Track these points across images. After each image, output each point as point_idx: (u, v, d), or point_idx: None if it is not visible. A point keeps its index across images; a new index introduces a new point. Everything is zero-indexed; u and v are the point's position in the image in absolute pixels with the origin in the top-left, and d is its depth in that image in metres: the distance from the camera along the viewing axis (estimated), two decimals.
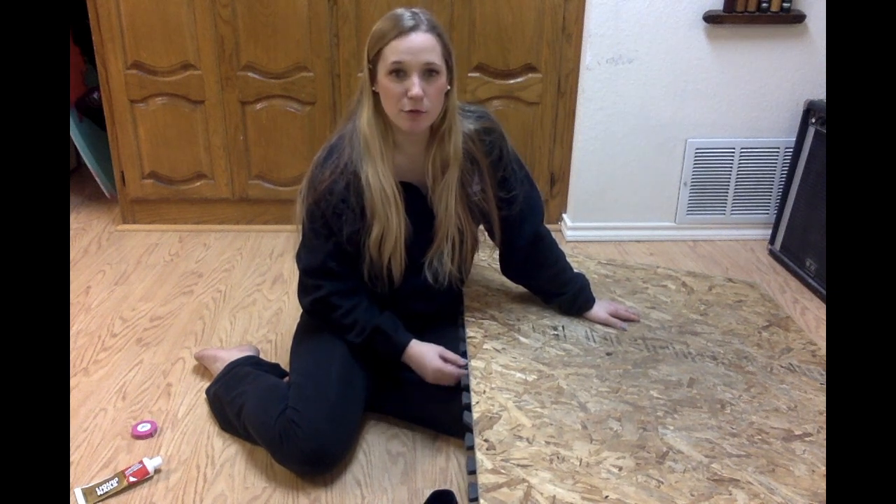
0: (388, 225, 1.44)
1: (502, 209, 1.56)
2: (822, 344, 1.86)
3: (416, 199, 1.50)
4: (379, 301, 1.56)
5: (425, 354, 1.51)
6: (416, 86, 1.34)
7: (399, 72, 1.35)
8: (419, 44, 1.34)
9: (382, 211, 1.43)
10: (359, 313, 1.52)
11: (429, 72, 1.35)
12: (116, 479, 1.41)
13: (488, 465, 1.19)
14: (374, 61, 1.39)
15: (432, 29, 1.36)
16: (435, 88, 1.37)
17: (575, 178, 2.68)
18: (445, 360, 1.51)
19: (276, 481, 1.45)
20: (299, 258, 1.54)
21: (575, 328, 1.65)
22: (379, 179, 1.42)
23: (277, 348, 1.94)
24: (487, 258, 1.96)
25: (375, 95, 1.41)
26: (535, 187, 1.63)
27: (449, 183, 1.47)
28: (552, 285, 1.69)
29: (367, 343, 1.52)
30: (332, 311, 1.52)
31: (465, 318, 1.65)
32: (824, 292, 2.25)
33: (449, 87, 1.41)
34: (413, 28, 1.34)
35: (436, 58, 1.36)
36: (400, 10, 1.38)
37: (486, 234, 1.66)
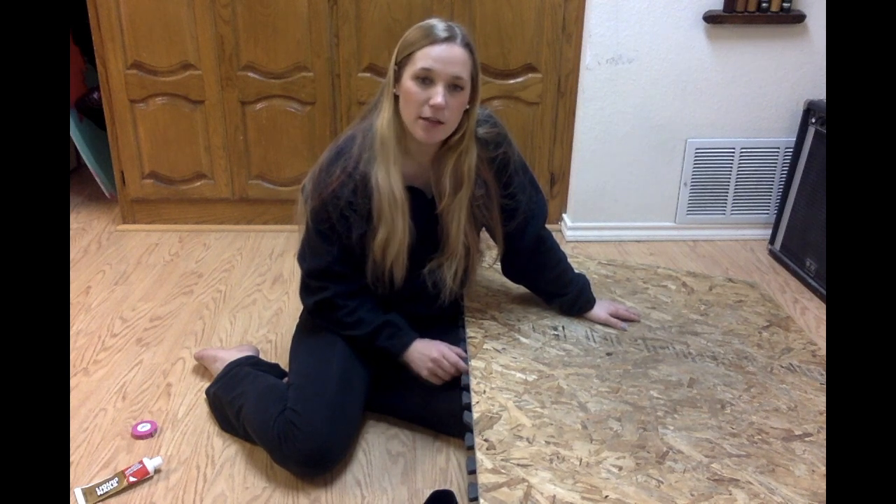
0: (394, 229, 1.44)
1: (505, 220, 1.56)
2: (822, 344, 1.86)
3: (421, 204, 1.50)
4: (381, 302, 1.56)
5: (426, 348, 1.52)
6: (439, 95, 1.34)
7: (426, 79, 1.35)
8: (452, 56, 1.35)
9: (389, 215, 1.43)
10: (363, 312, 1.52)
11: (455, 86, 1.36)
12: (116, 479, 1.41)
13: (488, 464, 1.19)
14: (401, 64, 1.38)
15: (466, 45, 1.37)
16: (457, 102, 1.38)
17: (575, 178, 2.68)
18: (445, 356, 1.51)
19: (276, 481, 1.45)
20: (302, 259, 1.53)
21: (575, 328, 1.65)
22: (389, 183, 1.41)
23: (277, 348, 1.94)
24: (488, 259, 1.96)
25: (396, 99, 1.41)
26: (538, 190, 1.62)
27: (461, 201, 1.48)
28: (553, 286, 1.69)
29: (373, 336, 1.52)
30: (336, 311, 1.52)
31: (466, 318, 1.65)
32: (824, 292, 2.25)
33: (468, 107, 1.41)
34: (448, 39, 1.35)
35: (465, 73, 1.37)
36: (435, 20, 1.38)
37: (488, 234, 1.66)
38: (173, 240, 2.67)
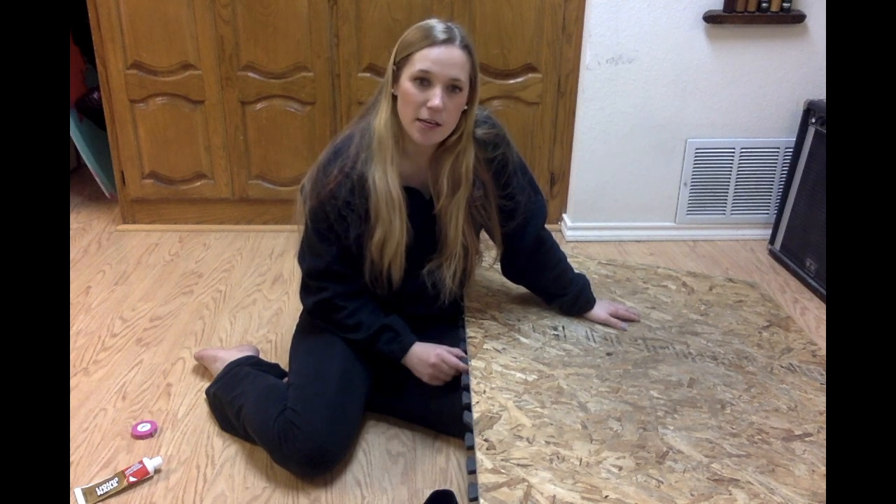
0: (391, 229, 1.44)
1: (504, 221, 1.56)
2: (822, 344, 1.86)
3: (418, 205, 1.50)
4: (380, 303, 1.56)
5: (425, 353, 1.52)
6: (437, 97, 1.34)
7: (424, 80, 1.35)
8: (450, 58, 1.35)
9: (386, 215, 1.43)
10: (363, 315, 1.52)
11: (453, 87, 1.36)
12: (116, 479, 1.41)
13: (488, 464, 1.19)
14: (400, 64, 1.39)
15: (465, 47, 1.37)
16: (455, 104, 1.38)
17: (575, 178, 2.68)
18: (444, 360, 1.51)
19: (276, 481, 1.45)
20: (302, 259, 1.53)
21: (575, 328, 1.65)
22: (386, 183, 1.41)
23: (277, 348, 1.94)
24: (488, 259, 1.96)
25: (394, 99, 1.41)
26: (538, 191, 1.62)
27: (459, 202, 1.48)
28: (553, 287, 1.69)
29: (372, 340, 1.52)
30: (336, 313, 1.52)
31: (466, 318, 1.65)
32: (824, 292, 2.25)
33: (466, 108, 1.41)
34: (447, 41, 1.35)
35: (463, 75, 1.36)
36: (434, 21, 1.38)
37: (487, 235, 1.66)
38: (173, 240, 2.67)
